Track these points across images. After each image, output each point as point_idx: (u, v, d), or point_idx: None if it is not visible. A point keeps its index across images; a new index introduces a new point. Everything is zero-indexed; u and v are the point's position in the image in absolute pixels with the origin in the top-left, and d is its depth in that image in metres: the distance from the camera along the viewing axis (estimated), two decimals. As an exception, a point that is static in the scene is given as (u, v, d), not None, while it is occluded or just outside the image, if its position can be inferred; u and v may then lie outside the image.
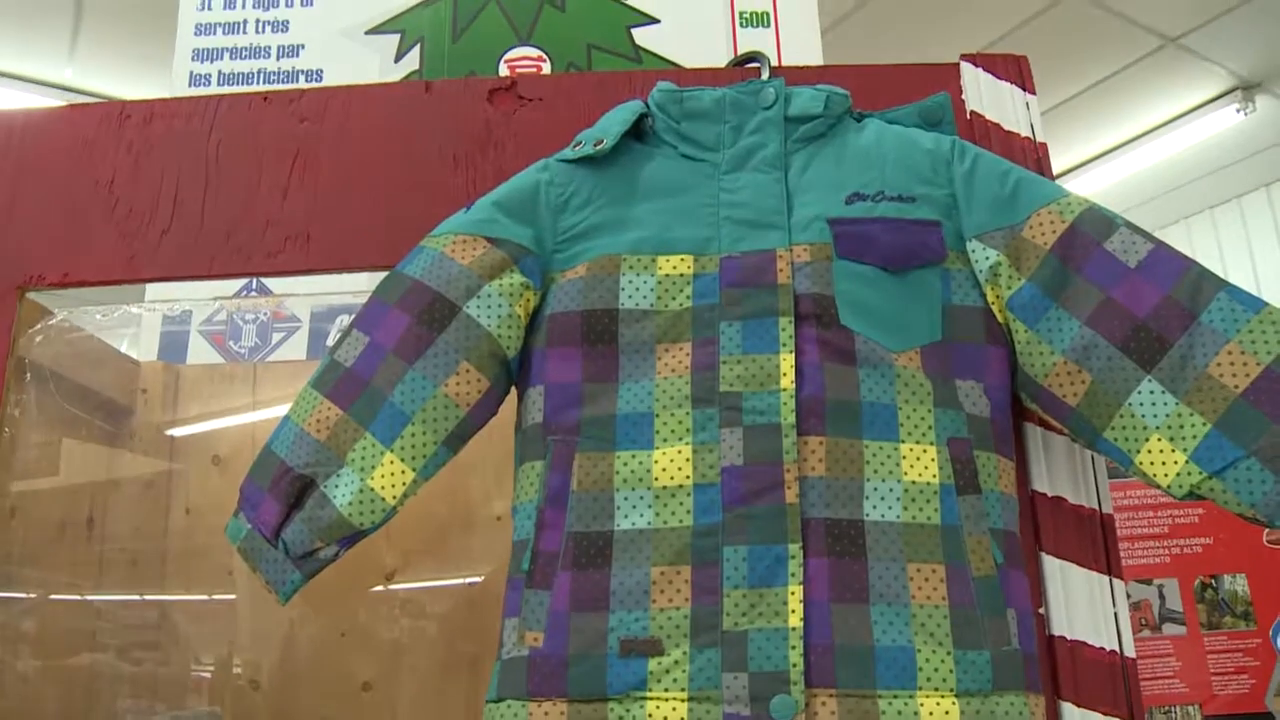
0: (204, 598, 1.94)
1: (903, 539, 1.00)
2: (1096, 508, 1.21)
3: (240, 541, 1.12)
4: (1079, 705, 1.16)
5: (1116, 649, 1.17)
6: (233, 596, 1.92)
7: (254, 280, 2.09)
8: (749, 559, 0.99)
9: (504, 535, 1.79)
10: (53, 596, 1.81)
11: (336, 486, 1.08)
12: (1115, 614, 1.19)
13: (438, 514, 1.84)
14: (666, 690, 0.97)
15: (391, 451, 1.08)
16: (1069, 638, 1.17)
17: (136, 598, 1.92)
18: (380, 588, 1.88)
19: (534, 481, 1.08)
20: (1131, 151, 5.06)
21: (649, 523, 1.01)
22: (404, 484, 1.09)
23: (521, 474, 1.10)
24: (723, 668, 0.96)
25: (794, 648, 0.96)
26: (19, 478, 1.63)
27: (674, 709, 0.96)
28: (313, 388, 1.13)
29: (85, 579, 1.88)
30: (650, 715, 0.96)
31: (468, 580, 1.83)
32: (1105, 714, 1.16)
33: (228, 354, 2.10)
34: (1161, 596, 1.78)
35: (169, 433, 2.04)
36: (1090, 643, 1.17)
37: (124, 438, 2.04)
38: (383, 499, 1.08)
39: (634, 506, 1.02)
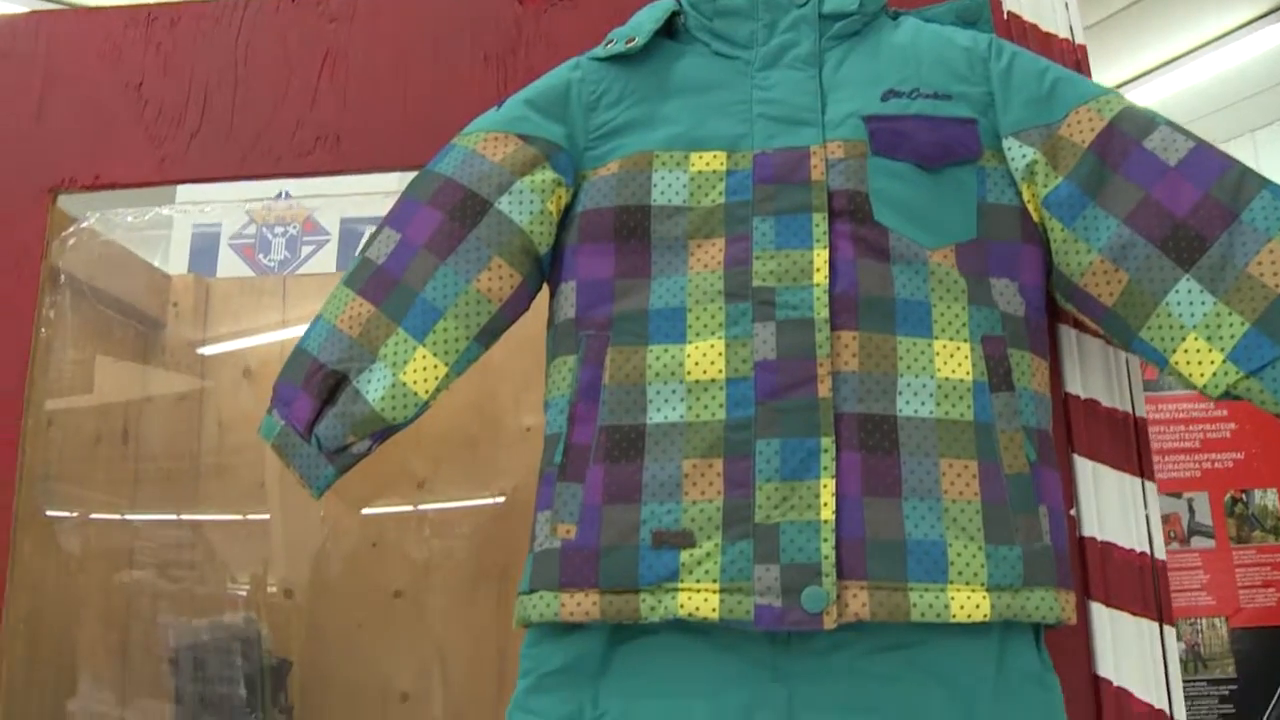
0: (238, 517, 1.96)
1: (935, 435, 1.00)
2: (1130, 411, 1.20)
3: (274, 438, 1.13)
4: (1108, 605, 1.16)
5: (1147, 551, 1.17)
6: (266, 516, 1.94)
7: (283, 194, 2.09)
8: (781, 452, 0.98)
9: (533, 446, 1.80)
10: (93, 516, 1.83)
11: (369, 382, 1.08)
12: (1147, 517, 1.19)
13: (467, 426, 1.85)
14: (698, 581, 0.97)
15: (424, 346, 1.08)
16: (1099, 539, 1.17)
17: (173, 517, 1.95)
18: (410, 500, 1.90)
19: (566, 376, 1.08)
20: (1176, 70, 4.95)
21: (681, 416, 1.01)
22: (436, 378, 1.09)
23: (553, 369, 1.10)
24: (754, 560, 0.97)
25: (826, 540, 0.96)
26: (55, 395, 1.64)
27: (705, 600, 0.97)
28: (345, 285, 1.14)
29: (122, 497, 1.90)
30: (682, 606, 0.97)
31: (497, 491, 1.84)
32: (1134, 614, 1.16)
33: (257, 267, 2.10)
34: (1191, 510, 1.77)
35: (200, 348, 2.05)
36: (1120, 544, 1.17)
37: (156, 351, 2.05)
38: (415, 393, 1.08)
39: (666, 400, 1.02)
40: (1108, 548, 1.17)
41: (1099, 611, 1.16)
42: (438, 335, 1.09)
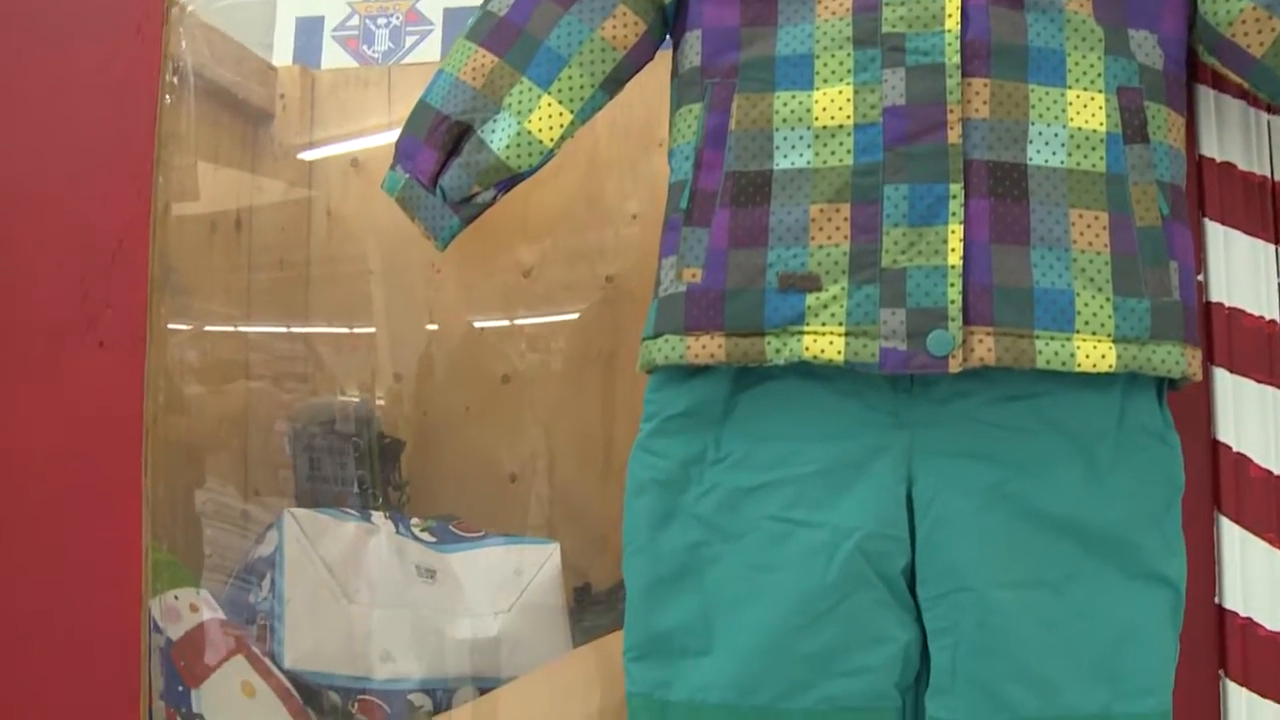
0: (345, 331, 1.99)
1: (1066, 184, 0.98)
2: (1269, 175, 1.16)
3: (398, 192, 1.15)
4: (1232, 371, 1.15)
5: (1276, 319, 1.15)
6: (372, 330, 1.97)
7: (384, -17, 2.06)
8: (909, 197, 0.97)
9: (639, 232, 1.81)
10: (208, 328, 1.88)
11: (494, 131, 1.09)
12: (1278, 284, 1.16)
13: (574, 212, 1.85)
14: (824, 324, 0.98)
15: (549, 94, 1.08)
16: (1227, 304, 1.15)
17: (284, 330, 1.99)
18: (517, 289, 1.92)
19: (691, 124, 1.07)
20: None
21: (808, 162, 1.00)
22: (561, 126, 1.09)
23: (678, 118, 1.10)
24: (880, 303, 0.97)
25: (953, 285, 0.95)
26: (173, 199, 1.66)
27: (830, 343, 0.97)
28: (467, 39, 1.13)
29: (236, 307, 1.94)
30: (807, 349, 0.98)
31: (604, 275, 1.85)
32: (1259, 381, 1.15)
33: (361, 58, 2.09)
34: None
35: (308, 144, 2.06)
36: (1249, 310, 1.15)
37: (265, 142, 2.07)
38: (540, 141, 1.09)
39: (793, 146, 1.01)
40: (1235, 313, 1.15)
41: (1222, 377, 1.15)
42: (563, 83, 1.09)
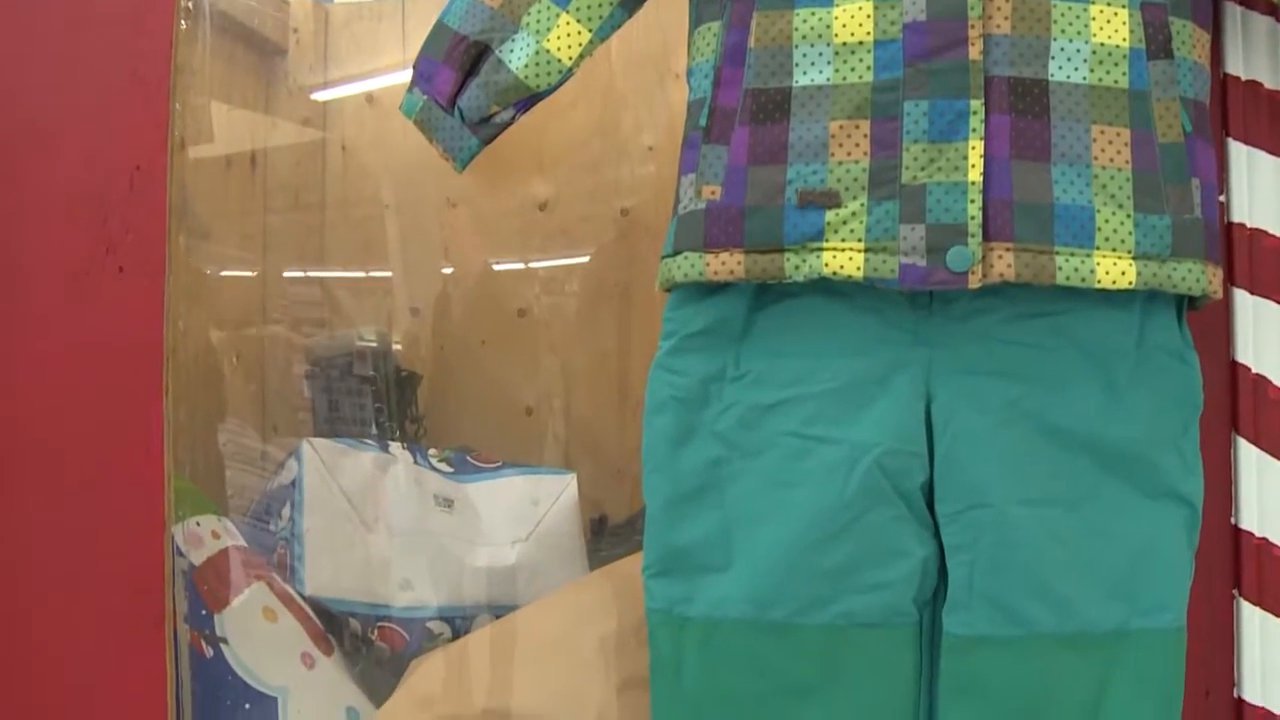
0: (361, 274, 1.99)
1: (1088, 100, 0.97)
2: (1293, 95, 1.15)
3: (416, 114, 1.15)
4: (1253, 293, 1.15)
5: (1298, 239, 1.15)
6: (388, 274, 1.97)
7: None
8: (930, 113, 0.97)
9: (656, 165, 1.80)
10: (224, 273, 1.88)
11: (512, 50, 1.09)
12: (1301, 206, 1.15)
13: (590, 145, 1.85)
14: (843, 241, 0.98)
15: (567, 12, 1.08)
16: (1249, 225, 1.15)
17: (300, 274, 1.99)
18: (532, 222, 1.91)
19: (710, 42, 1.06)
20: None
21: (828, 79, 1.00)
22: (580, 44, 1.09)
23: (698, 36, 1.09)
24: (900, 219, 0.96)
25: (973, 201, 0.95)
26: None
27: (850, 259, 0.97)
28: (483, -40, 1.13)
29: (252, 251, 1.94)
30: (826, 265, 0.97)
31: (619, 208, 1.85)
32: (1278, 303, 1.15)
33: (376, -9, 2.07)
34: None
35: (322, 75, 2.05)
36: (1271, 231, 1.15)
37: (279, 77, 2.06)
38: (558, 60, 1.09)
39: (813, 63, 1.00)
40: (1257, 234, 1.14)
41: (1242, 298, 1.15)
42: (581, 1, 1.08)
